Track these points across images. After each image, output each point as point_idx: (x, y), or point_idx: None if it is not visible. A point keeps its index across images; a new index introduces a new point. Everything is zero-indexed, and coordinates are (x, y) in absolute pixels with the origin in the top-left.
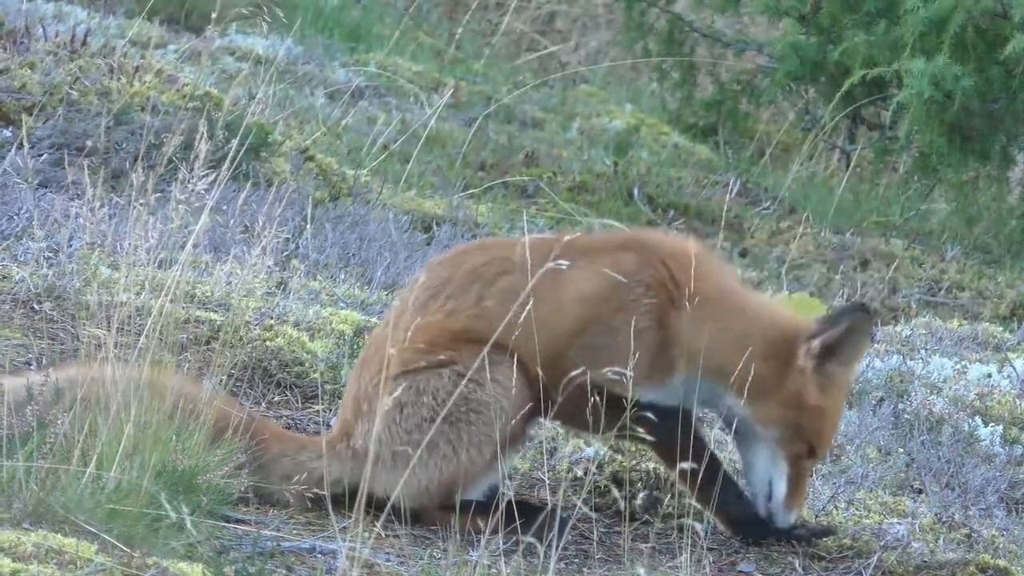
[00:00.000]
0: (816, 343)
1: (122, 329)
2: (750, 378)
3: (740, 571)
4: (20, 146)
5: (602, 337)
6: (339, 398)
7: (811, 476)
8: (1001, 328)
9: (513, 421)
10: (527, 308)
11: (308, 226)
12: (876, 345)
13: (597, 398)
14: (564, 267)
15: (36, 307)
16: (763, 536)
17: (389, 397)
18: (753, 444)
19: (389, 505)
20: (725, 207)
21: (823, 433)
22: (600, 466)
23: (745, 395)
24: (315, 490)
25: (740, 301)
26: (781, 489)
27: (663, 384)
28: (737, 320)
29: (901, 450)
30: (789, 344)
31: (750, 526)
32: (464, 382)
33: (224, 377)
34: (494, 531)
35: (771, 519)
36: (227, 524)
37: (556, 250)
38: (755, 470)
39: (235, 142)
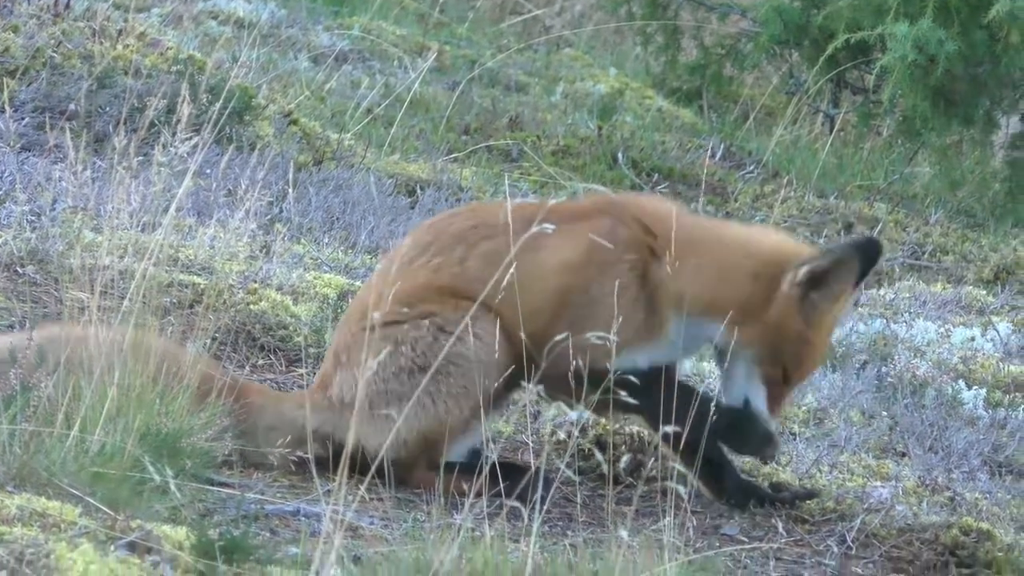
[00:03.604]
0: (803, 270)
1: (105, 292)
2: (735, 301)
3: (723, 534)
4: (3, 110)
5: (585, 305)
6: (322, 362)
7: (789, 399)
8: (985, 291)
9: (494, 381)
10: (509, 272)
11: (291, 190)
12: (860, 308)
13: (580, 362)
14: (548, 230)
15: (19, 270)
16: (746, 500)
17: (372, 357)
18: (733, 362)
19: (375, 465)
20: (707, 170)
21: (801, 361)
22: (583, 430)
23: (729, 317)
24: (299, 453)
25: (719, 234)
26: (760, 404)
27: (659, 339)
28: (718, 251)
29: (884, 413)
30: (776, 268)
31: (734, 491)
32: (450, 339)
33: (208, 341)
34: (478, 494)
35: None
36: (211, 487)
37: (538, 216)
38: (732, 387)
39: (218, 105)
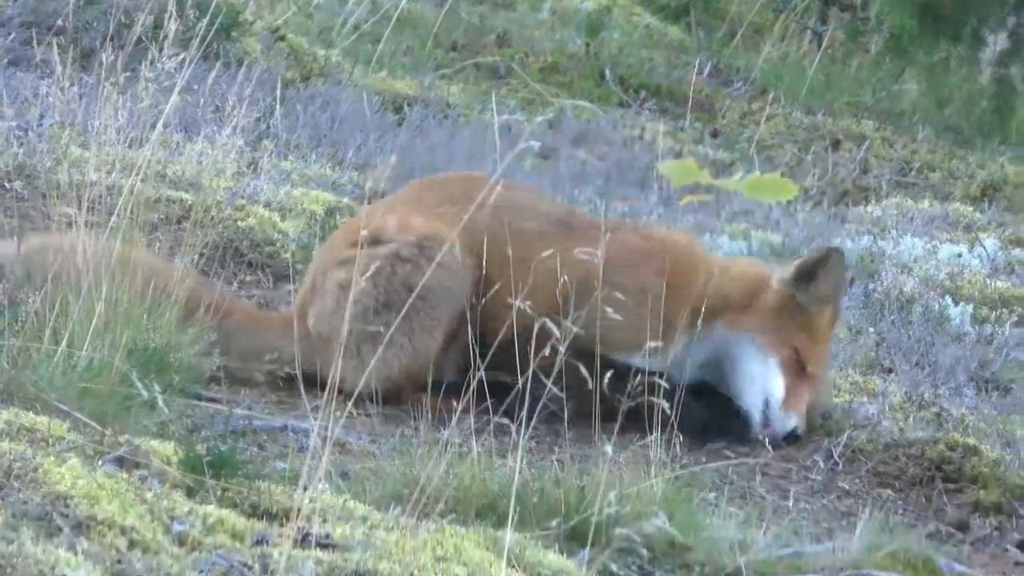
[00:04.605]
0: (789, 268)
1: (93, 208)
2: (731, 303)
3: (710, 449)
4: None
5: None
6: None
7: (809, 392)
8: (972, 208)
9: (465, 299)
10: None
11: (279, 106)
12: (847, 225)
13: (567, 279)
14: (534, 148)
15: (6, 186)
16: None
17: (333, 281)
18: (742, 357)
19: (358, 389)
20: (694, 87)
21: (810, 341)
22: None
23: (727, 317)
24: (286, 369)
25: (728, 267)
26: (779, 391)
27: (665, 348)
28: (727, 279)
29: (872, 330)
30: (764, 281)
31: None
32: (408, 268)
33: (195, 257)
34: (465, 410)
35: (769, 425)
36: (199, 403)
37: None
38: (750, 384)
39: (205, 22)
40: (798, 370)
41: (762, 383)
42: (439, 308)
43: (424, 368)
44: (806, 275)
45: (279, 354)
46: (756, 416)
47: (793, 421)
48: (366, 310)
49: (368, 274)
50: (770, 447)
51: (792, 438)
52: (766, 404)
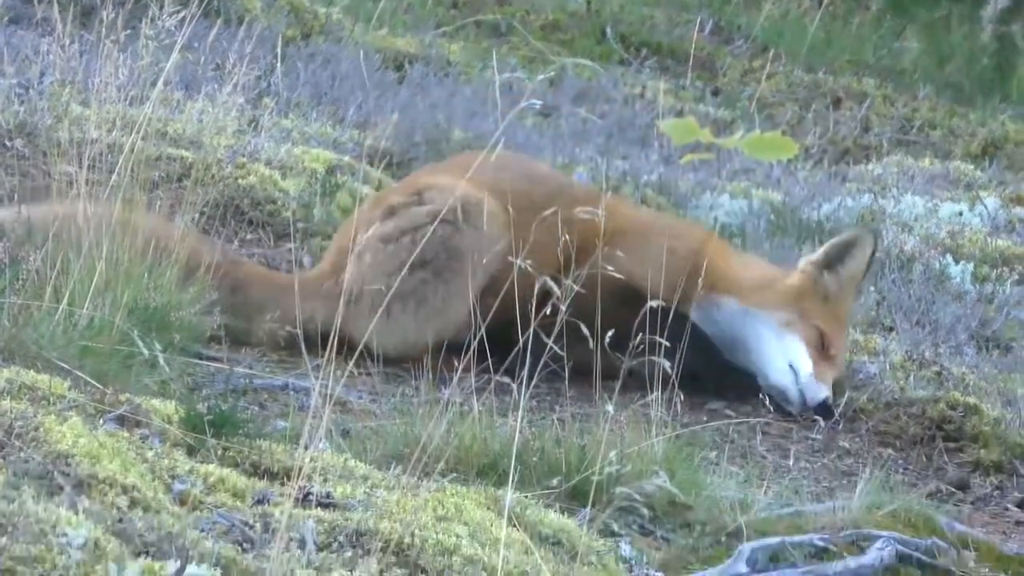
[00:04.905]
0: (818, 251)
1: (93, 166)
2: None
3: (710, 409)
4: None
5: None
6: (311, 236)
7: (832, 371)
8: (972, 166)
9: (493, 268)
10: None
11: (279, 64)
12: (848, 183)
13: (568, 237)
14: (535, 106)
15: (7, 144)
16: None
17: (373, 237)
18: (763, 336)
19: (361, 345)
20: (695, 45)
21: (831, 317)
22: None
23: (742, 296)
24: (288, 328)
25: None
26: (806, 363)
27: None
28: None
29: (872, 288)
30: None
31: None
32: (447, 228)
33: (196, 215)
34: (466, 369)
35: (803, 396)
36: (200, 362)
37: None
38: (773, 358)
39: None
40: (820, 347)
41: (788, 358)
42: (474, 274)
43: (450, 333)
44: (835, 258)
45: (281, 312)
46: (792, 392)
47: (825, 391)
48: (402, 265)
49: (408, 231)
50: (820, 421)
51: (825, 409)
52: (796, 378)
